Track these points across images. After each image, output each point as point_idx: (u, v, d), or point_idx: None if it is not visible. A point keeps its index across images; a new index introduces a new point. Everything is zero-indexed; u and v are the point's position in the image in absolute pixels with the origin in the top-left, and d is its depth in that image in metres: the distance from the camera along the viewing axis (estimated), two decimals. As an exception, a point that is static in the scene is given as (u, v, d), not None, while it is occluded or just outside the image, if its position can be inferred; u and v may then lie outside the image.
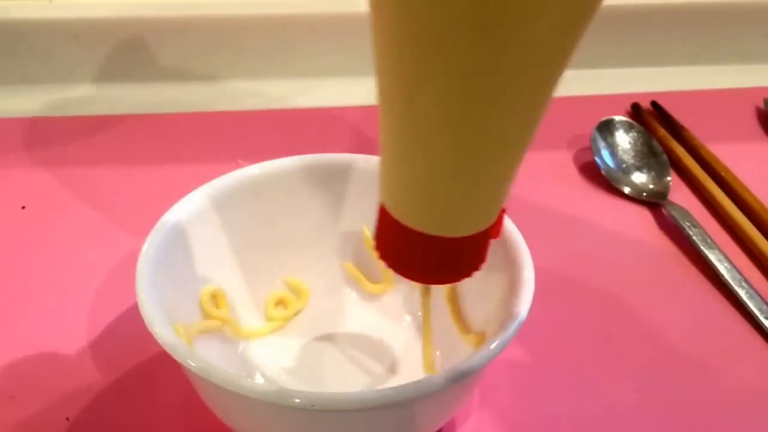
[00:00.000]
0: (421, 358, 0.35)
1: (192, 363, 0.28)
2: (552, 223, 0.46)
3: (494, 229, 0.29)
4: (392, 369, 0.37)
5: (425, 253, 0.28)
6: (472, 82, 0.23)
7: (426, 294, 0.33)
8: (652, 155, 0.51)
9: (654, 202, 0.48)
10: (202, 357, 0.29)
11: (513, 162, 0.26)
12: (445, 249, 0.28)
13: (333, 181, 0.38)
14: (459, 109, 0.24)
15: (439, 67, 0.23)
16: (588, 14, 0.23)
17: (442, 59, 0.23)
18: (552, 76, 0.24)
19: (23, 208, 0.46)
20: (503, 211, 0.30)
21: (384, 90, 0.25)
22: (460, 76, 0.23)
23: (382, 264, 0.38)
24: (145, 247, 0.33)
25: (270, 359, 0.37)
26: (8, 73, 0.57)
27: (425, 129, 0.25)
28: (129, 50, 0.57)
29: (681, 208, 0.46)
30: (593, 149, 0.50)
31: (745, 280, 0.42)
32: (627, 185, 0.49)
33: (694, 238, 0.44)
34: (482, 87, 0.23)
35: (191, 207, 0.35)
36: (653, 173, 0.50)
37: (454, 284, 0.37)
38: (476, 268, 0.30)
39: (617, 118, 0.52)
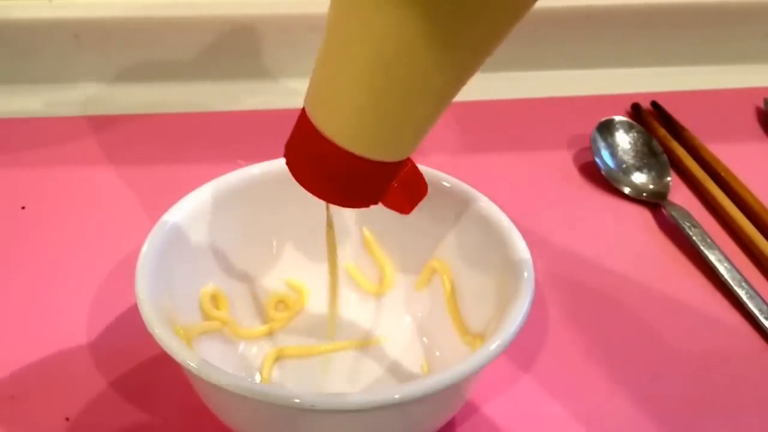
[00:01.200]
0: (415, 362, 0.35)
1: (192, 364, 0.28)
2: (552, 223, 0.46)
3: (410, 184, 0.32)
4: (392, 369, 0.37)
5: (333, 165, 0.29)
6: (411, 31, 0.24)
7: (330, 227, 0.34)
8: (652, 155, 0.51)
9: (654, 202, 0.48)
10: (202, 358, 0.29)
11: (435, 106, 0.28)
12: (352, 167, 0.29)
13: (333, 182, 0.38)
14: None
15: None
16: None
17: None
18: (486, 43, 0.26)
19: (23, 208, 0.46)
20: (421, 177, 0.32)
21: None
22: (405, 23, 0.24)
23: (382, 265, 0.38)
24: (144, 248, 0.33)
25: (270, 360, 0.37)
26: (8, 73, 0.57)
27: (362, 48, 0.26)
28: (129, 50, 0.57)
29: (681, 208, 0.46)
30: (593, 149, 0.50)
31: (745, 280, 0.42)
32: (627, 185, 0.49)
33: (694, 238, 0.44)
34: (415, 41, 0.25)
35: (191, 207, 0.35)
36: (653, 173, 0.50)
37: (453, 286, 0.37)
38: (375, 200, 0.31)
39: (617, 118, 0.52)
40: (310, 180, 0.30)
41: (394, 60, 0.26)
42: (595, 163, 0.50)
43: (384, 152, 0.29)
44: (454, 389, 0.29)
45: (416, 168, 0.32)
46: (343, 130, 0.28)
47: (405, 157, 0.30)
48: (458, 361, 0.29)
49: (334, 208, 0.39)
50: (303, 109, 0.29)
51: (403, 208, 0.32)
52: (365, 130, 0.28)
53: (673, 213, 0.46)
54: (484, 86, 0.59)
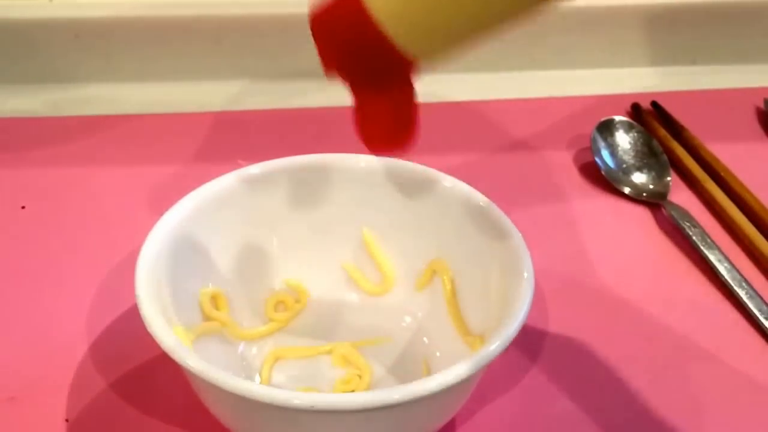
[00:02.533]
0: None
1: (191, 364, 0.28)
2: (552, 223, 0.46)
3: (408, 117, 0.30)
4: (392, 369, 0.37)
5: (363, 41, 0.28)
6: None
7: None
8: (652, 155, 0.51)
9: (654, 202, 0.48)
10: (202, 358, 0.29)
11: (490, 22, 0.27)
12: (375, 45, 0.28)
13: (333, 182, 0.38)
14: None
15: None
16: None
17: None
18: None
19: (23, 208, 0.46)
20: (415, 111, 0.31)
21: None
22: None
23: (382, 266, 0.38)
24: (144, 248, 0.33)
25: (270, 360, 0.37)
26: (8, 73, 0.57)
27: None
28: (129, 50, 0.57)
29: (681, 208, 0.46)
30: (593, 149, 0.50)
31: (745, 281, 0.42)
32: (627, 185, 0.49)
33: (694, 238, 0.44)
34: None
35: (191, 207, 0.35)
36: (653, 173, 0.50)
37: (453, 286, 0.37)
38: (372, 86, 0.30)
39: (617, 118, 0.52)
40: (325, 42, 0.29)
41: None
42: (595, 163, 0.50)
43: (417, 44, 0.28)
44: (454, 390, 0.29)
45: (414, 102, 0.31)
46: (386, 5, 0.27)
47: (429, 60, 0.29)
48: (458, 361, 0.29)
49: (334, 208, 0.39)
50: None
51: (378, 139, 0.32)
52: (411, 13, 0.27)
53: (673, 213, 0.46)
54: (484, 86, 0.60)
